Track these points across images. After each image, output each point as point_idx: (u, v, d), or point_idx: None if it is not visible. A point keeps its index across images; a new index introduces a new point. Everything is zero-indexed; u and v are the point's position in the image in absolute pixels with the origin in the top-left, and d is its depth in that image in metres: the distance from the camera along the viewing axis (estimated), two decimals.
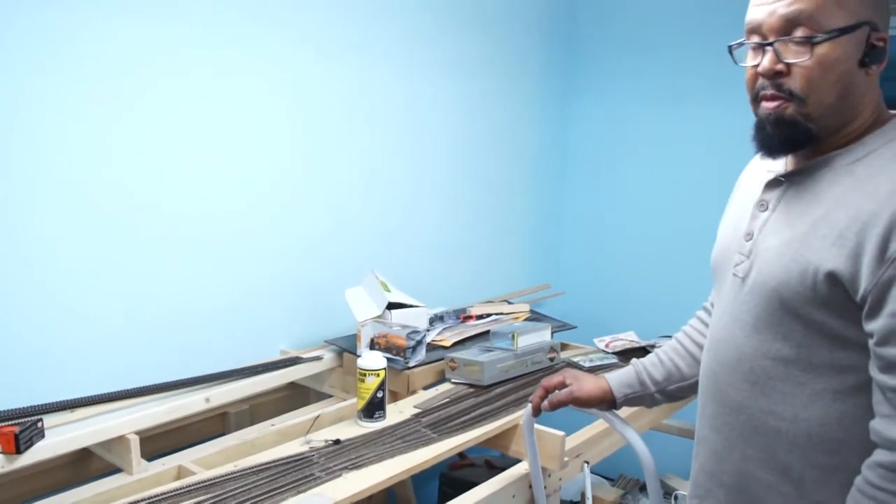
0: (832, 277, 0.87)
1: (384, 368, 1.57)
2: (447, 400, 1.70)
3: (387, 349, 1.77)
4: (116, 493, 1.32)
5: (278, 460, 1.38)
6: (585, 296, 2.84)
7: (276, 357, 1.86)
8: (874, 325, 0.85)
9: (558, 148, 2.85)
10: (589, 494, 1.67)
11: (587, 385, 1.23)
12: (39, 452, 1.30)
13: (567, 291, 2.81)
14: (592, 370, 1.93)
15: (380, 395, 1.56)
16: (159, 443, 1.61)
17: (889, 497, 0.83)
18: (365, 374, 1.54)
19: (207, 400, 1.58)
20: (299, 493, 1.27)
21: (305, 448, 1.44)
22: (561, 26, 2.75)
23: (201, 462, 1.43)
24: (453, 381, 1.81)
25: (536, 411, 1.27)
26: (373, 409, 1.55)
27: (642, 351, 2.05)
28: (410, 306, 1.88)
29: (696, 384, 1.14)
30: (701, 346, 1.16)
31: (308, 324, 1.99)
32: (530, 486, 1.47)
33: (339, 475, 1.33)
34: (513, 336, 1.87)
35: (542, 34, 2.67)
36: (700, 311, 1.24)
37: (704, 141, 2.50)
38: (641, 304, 2.67)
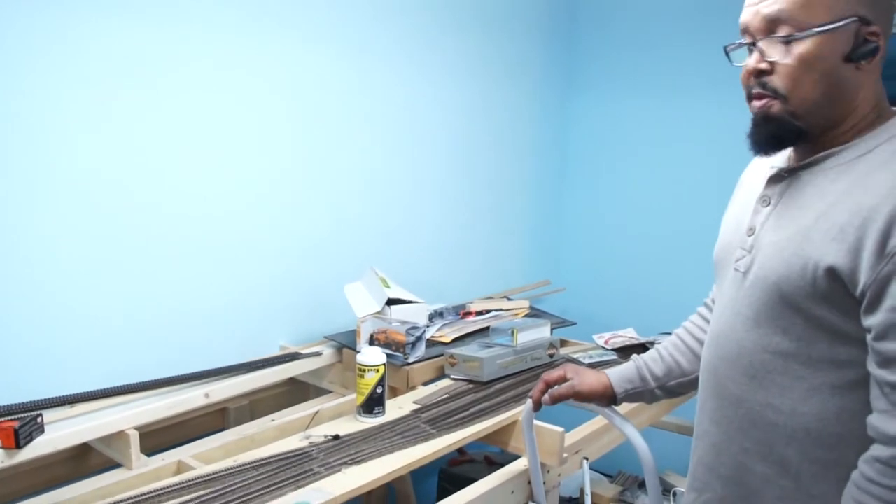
0: (832, 272, 0.87)
1: (383, 364, 1.57)
2: (446, 396, 1.70)
3: (386, 345, 1.77)
4: (116, 488, 1.31)
5: (278, 455, 1.38)
6: (585, 293, 2.84)
7: (276, 353, 1.87)
8: (872, 320, 0.85)
9: (558, 145, 2.85)
10: (588, 491, 1.67)
11: (588, 379, 1.23)
12: (39, 447, 1.30)
13: (567, 288, 2.81)
14: (592, 367, 1.93)
15: (379, 390, 1.56)
16: (159, 438, 1.61)
17: (885, 492, 0.84)
18: (364, 370, 1.55)
19: (207, 395, 1.59)
20: (299, 488, 1.27)
21: (305, 443, 1.44)
22: (561, 26, 2.74)
23: (201, 457, 1.43)
24: (453, 377, 1.81)
25: (537, 405, 1.27)
26: (372, 404, 1.56)
27: (641, 348, 2.05)
28: (410, 302, 1.88)
29: (696, 380, 1.14)
30: (701, 342, 1.16)
31: (307, 320, 1.99)
32: (529, 482, 1.47)
33: (339, 470, 1.33)
34: (512, 332, 1.87)
35: (542, 34, 2.67)
36: (701, 307, 1.25)
37: (704, 139, 2.50)
38: (641, 300, 2.68)
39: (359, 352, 1.63)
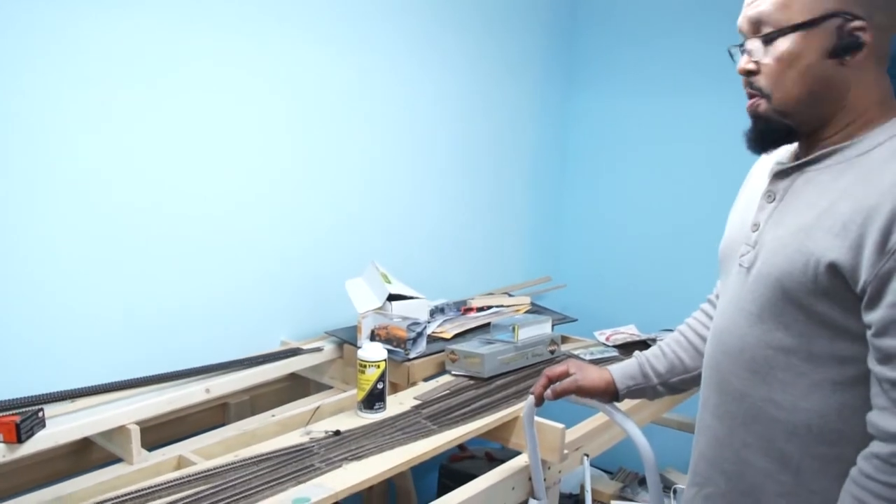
0: (833, 268, 0.87)
1: (384, 360, 1.57)
2: (447, 392, 1.70)
3: (387, 340, 1.77)
4: (117, 483, 1.32)
5: (278, 451, 1.39)
6: (586, 289, 2.84)
7: (277, 348, 1.87)
8: (873, 317, 0.85)
9: (559, 142, 2.85)
10: (588, 487, 1.67)
11: (591, 375, 1.23)
12: (40, 442, 1.30)
13: (568, 284, 2.81)
14: (593, 363, 1.92)
15: (380, 386, 1.56)
16: (160, 433, 1.62)
17: (883, 488, 0.84)
18: (365, 366, 1.55)
19: (208, 390, 1.59)
20: (299, 483, 1.27)
21: (306, 439, 1.44)
22: (561, 23, 2.74)
23: (201, 452, 1.43)
24: (454, 372, 1.81)
25: (539, 400, 1.26)
26: (373, 400, 1.56)
27: (643, 344, 2.05)
28: (411, 298, 1.88)
29: (698, 377, 1.14)
30: (704, 339, 1.16)
31: (308, 315, 1.99)
32: (530, 479, 1.47)
33: (340, 466, 1.33)
34: (513, 328, 1.87)
35: (543, 31, 2.66)
36: (704, 303, 1.24)
37: (704, 136, 2.50)
38: (642, 297, 2.68)
39: (360, 347, 1.63)
